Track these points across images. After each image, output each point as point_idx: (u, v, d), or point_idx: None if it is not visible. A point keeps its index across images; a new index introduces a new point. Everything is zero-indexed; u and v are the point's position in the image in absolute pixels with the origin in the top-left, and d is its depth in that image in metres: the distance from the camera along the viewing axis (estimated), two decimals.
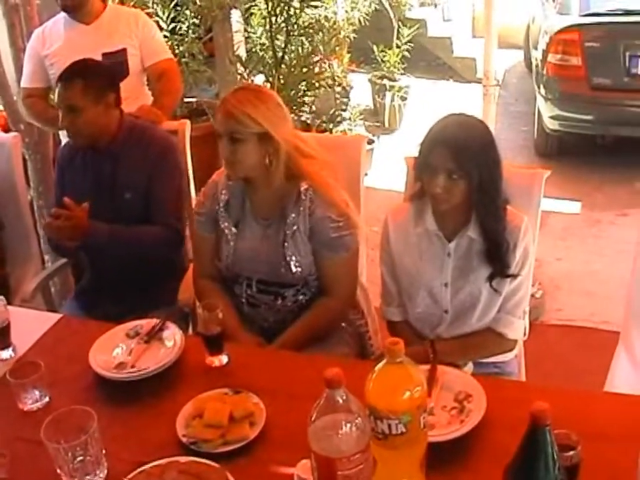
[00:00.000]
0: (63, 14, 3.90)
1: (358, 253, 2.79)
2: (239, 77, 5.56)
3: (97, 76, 3.09)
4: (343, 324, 2.87)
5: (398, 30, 7.37)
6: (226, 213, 2.81)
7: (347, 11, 6.58)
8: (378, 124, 7.14)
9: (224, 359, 2.41)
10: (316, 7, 5.60)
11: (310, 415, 1.70)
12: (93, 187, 3.08)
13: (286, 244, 2.71)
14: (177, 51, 5.58)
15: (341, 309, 2.83)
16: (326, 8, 6.12)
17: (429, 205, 2.57)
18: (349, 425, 1.66)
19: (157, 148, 3.16)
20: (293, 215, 2.69)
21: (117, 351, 2.50)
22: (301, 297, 2.78)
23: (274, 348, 2.67)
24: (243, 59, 5.72)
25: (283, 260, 2.72)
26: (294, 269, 2.72)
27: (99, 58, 3.61)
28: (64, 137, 3.97)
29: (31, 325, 2.75)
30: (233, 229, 2.80)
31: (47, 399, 2.36)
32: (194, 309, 3.12)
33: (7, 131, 5.07)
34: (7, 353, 2.61)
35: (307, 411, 2.12)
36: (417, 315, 2.69)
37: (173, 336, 2.51)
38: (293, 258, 2.71)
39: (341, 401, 1.66)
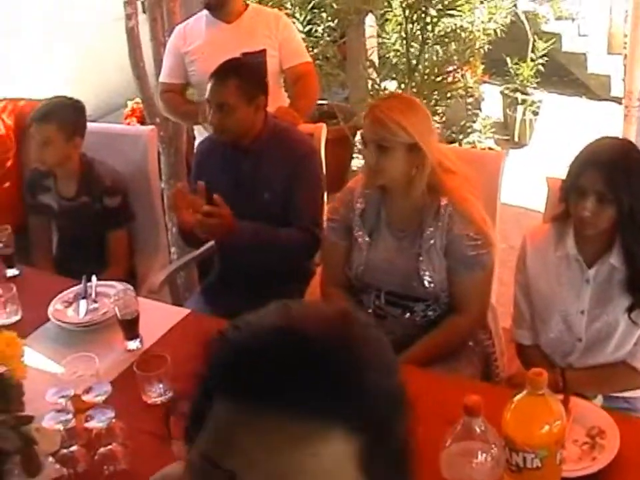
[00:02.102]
0: (204, 11, 3.93)
1: (493, 272, 2.73)
2: (370, 82, 5.54)
3: (252, 76, 3.15)
4: (471, 343, 2.81)
5: (533, 43, 7.22)
6: (361, 222, 2.78)
7: (483, 22, 6.48)
8: (507, 137, 7.00)
9: None
10: (453, 16, 5.52)
11: (444, 440, 1.65)
12: (230, 184, 3.10)
13: (421, 258, 2.66)
14: (311, 53, 5.59)
15: (470, 328, 2.77)
16: (462, 17, 6.03)
17: (570, 228, 2.48)
18: (484, 455, 1.61)
19: (300, 151, 3.16)
20: (431, 229, 2.65)
21: None
22: (430, 313, 2.73)
23: (400, 362, 2.61)
24: (376, 64, 5.69)
25: (416, 274, 2.68)
26: (426, 284, 2.67)
27: None
28: (198, 133, 4.03)
29: (158, 317, 2.79)
30: (367, 239, 2.77)
31: (171, 394, 2.37)
32: None
33: (142, 123, 5.18)
34: (134, 344, 2.65)
35: (431, 430, 2.07)
36: (548, 340, 2.60)
37: None
38: (427, 273, 2.66)
39: (478, 430, 1.61)
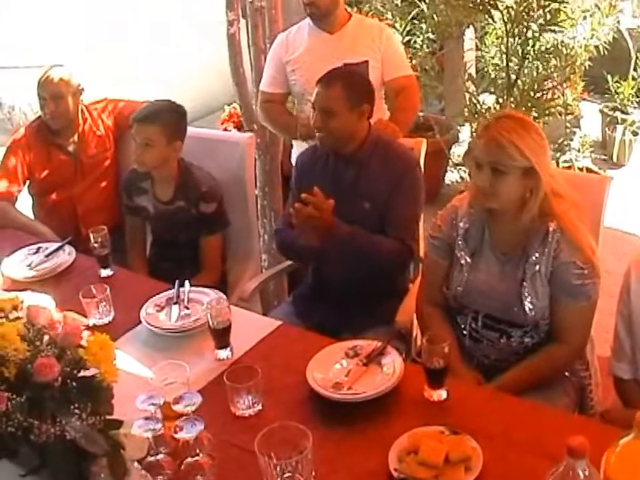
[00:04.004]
0: (307, 20, 3.93)
1: (596, 303, 2.63)
2: (467, 95, 5.46)
3: (358, 84, 3.15)
4: (567, 373, 2.73)
5: (635, 61, 7.05)
6: (463, 242, 2.72)
7: (584, 38, 6.34)
8: (605, 157, 6.84)
9: (443, 394, 2.33)
10: (554, 31, 5.41)
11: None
12: (331, 192, 3.08)
13: (524, 283, 2.59)
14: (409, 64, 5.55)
15: (569, 358, 2.69)
16: (563, 33, 5.91)
17: None
18: None
19: (402, 163, 3.14)
20: (537, 255, 2.57)
21: (334, 369, 2.47)
22: (527, 340, 2.66)
23: (493, 388, 2.57)
24: (474, 77, 5.61)
25: (517, 299, 2.61)
26: (527, 311, 2.60)
27: None
28: (296, 144, 4.01)
29: (249, 328, 2.79)
30: (468, 259, 2.71)
31: (259, 406, 2.37)
32: (411, 332, 3.06)
33: (239, 128, 5.21)
34: (224, 353, 2.65)
35: (526, 461, 2.06)
36: None
37: (393, 363, 2.44)
38: (528, 299, 2.59)
39: (582, 474, 1.54)
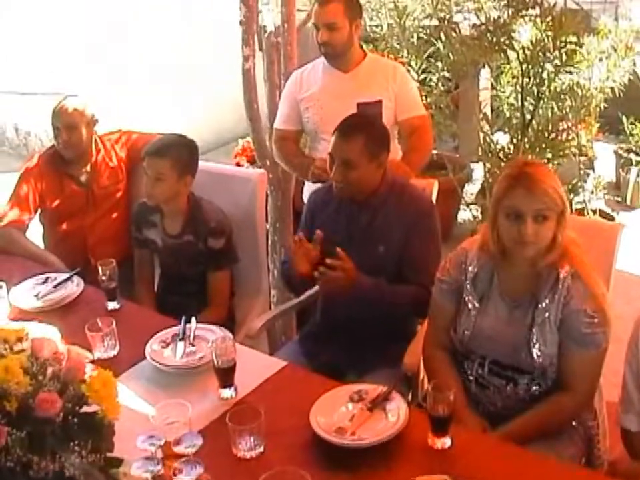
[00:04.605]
0: (322, 59, 3.93)
1: (606, 352, 2.59)
2: (481, 134, 5.46)
3: (377, 135, 3.12)
4: (574, 423, 2.69)
5: None
6: (472, 286, 2.70)
7: (600, 79, 6.34)
8: (619, 199, 6.82)
9: (447, 441, 2.29)
10: (570, 72, 5.41)
11: None
12: (345, 235, 3.09)
13: (533, 329, 2.57)
14: (424, 102, 5.53)
15: (577, 407, 2.65)
16: (579, 74, 5.91)
17: None
18: None
19: (419, 207, 3.13)
20: (547, 301, 2.56)
21: (338, 413, 2.44)
22: (534, 387, 2.62)
23: (499, 436, 2.53)
24: (489, 117, 5.61)
25: (525, 345, 2.58)
26: (535, 357, 2.57)
27: (354, 107, 3.62)
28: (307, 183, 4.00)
29: (254, 367, 2.76)
30: (477, 304, 2.69)
31: (261, 448, 2.34)
32: (417, 374, 3.03)
33: (252, 162, 5.21)
34: (228, 392, 2.62)
35: None
36: None
37: (398, 410, 2.40)
38: (537, 346, 2.56)
39: None
